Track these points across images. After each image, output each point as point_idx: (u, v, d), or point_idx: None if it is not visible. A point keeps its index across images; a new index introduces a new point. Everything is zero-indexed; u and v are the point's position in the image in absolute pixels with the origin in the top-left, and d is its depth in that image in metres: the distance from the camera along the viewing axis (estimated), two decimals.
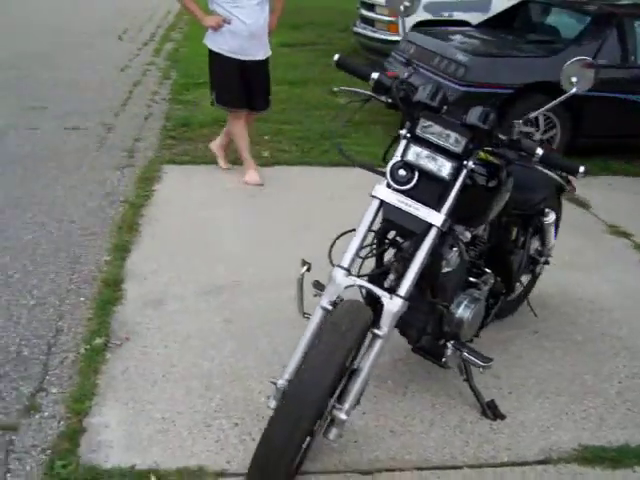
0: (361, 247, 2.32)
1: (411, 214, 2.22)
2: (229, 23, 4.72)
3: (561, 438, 2.63)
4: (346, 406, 2.21)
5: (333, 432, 2.23)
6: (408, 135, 2.26)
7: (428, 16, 8.04)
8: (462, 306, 2.59)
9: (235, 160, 5.44)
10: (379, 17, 8.43)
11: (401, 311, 2.23)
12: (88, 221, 4.37)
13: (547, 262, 3.38)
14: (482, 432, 2.64)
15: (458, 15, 8.21)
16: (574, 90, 2.33)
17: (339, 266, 2.28)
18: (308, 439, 2.19)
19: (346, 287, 2.26)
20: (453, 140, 2.18)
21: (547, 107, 2.39)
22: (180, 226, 4.34)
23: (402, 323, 2.53)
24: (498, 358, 3.07)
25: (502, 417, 2.71)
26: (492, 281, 2.82)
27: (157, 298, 3.48)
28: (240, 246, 4.08)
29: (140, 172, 5.28)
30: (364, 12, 8.99)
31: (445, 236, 2.43)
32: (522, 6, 7.15)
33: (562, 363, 3.10)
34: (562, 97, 2.35)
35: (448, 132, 2.18)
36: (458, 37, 6.59)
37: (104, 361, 2.94)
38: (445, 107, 2.27)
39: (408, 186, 2.22)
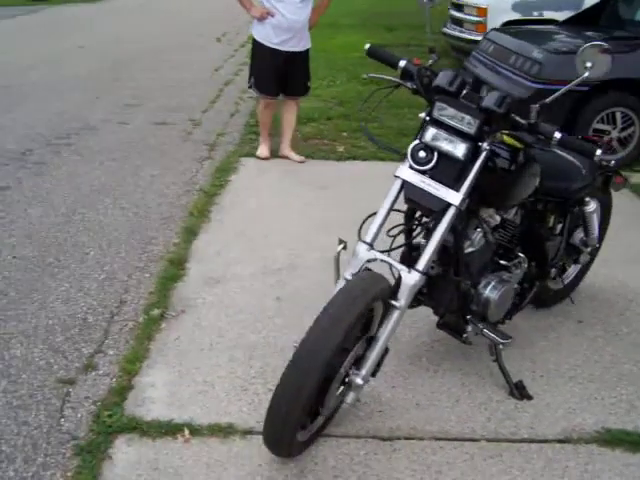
0: (383, 223, 2.47)
1: (430, 193, 2.35)
2: (272, 16, 5.15)
3: (585, 420, 2.66)
4: (363, 372, 2.36)
5: (351, 396, 2.39)
6: (427, 118, 2.39)
7: (517, 16, 8.00)
8: (490, 287, 2.68)
9: (310, 153, 5.67)
10: (467, 17, 8.47)
11: (418, 285, 2.36)
12: (164, 207, 4.72)
13: (593, 252, 3.38)
14: (506, 410, 2.71)
15: (549, 14, 8.09)
16: (586, 74, 2.39)
17: (362, 241, 2.44)
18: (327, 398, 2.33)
19: (367, 261, 2.42)
20: (467, 122, 2.29)
21: (559, 93, 2.44)
22: (248, 213, 4.60)
23: (428, 300, 2.66)
24: (537, 344, 3.15)
25: (529, 397, 2.77)
26: (525, 265, 2.89)
27: (216, 277, 3.74)
28: (302, 232, 4.29)
29: (218, 164, 5.60)
30: (453, 13, 9.06)
31: (470, 217, 2.54)
32: (610, 2, 6.99)
33: (601, 352, 3.11)
34: (574, 81, 2.40)
35: (462, 115, 2.30)
36: (539, 35, 6.54)
37: (159, 330, 3.21)
38: (464, 92, 2.38)
39: (428, 166, 2.35)
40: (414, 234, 2.66)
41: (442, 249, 2.60)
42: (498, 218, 2.71)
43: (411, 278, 2.35)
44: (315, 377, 2.13)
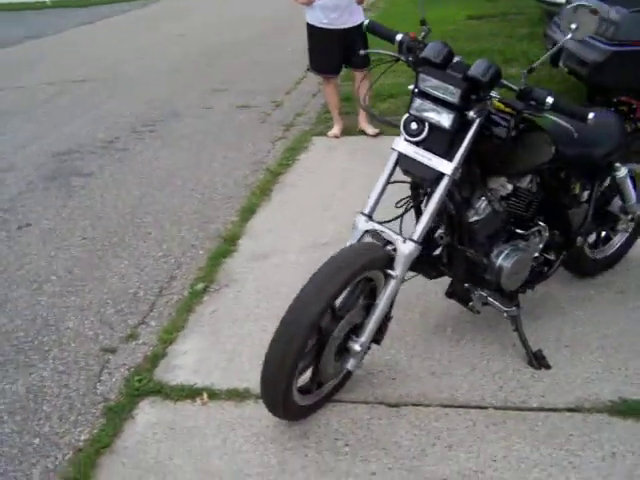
0: (381, 195, 2.56)
1: (423, 164, 2.42)
2: None
3: (602, 390, 2.63)
4: (362, 339, 2.48)
5: (351, 362, 2.51)
6: (416, 90, 2.44)
7: None
8: (503, 255, 2.69)
9: (384, 129, 5.75)
10: None
11: (413, 254, 2.44)
12: (229, 187, 4.98)
13: (633, 220, 3.29)
14: (521, 379, 2.73)
15: None
16: (569, 36, 2.36)
17: (361, 212, 2.55)
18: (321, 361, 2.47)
19: (366, 231, 2.52)
20: (450, 92, 2.32)
21: (547, 55, 2.42)
22: (309, 191, 4.76)
23: (448, 270, 2.73)
24: (570, 314, 3.13)
25: (547, 367, 2.77)
26: (547, 234, 2.87)
27: (264, 252, 3.94)
28: (358, 208, 4.39)
29: (290, 144, 5.79)
30: None
31: (474, 186, 2.58)
32: None
33: (637, 323, 3.03)
34: (559, 44, 2.37)
35: (445, 85, 2.33)
36: None
37: (200, 302, 3.46)
38: (453, 62, 2.41)
39: (420, 137, 2.41)
40: (421, 204, 2.72)
41: (448, 218, 2.66)
42: (510, 187, 2.71)
43: (406, 248, 2.43)
44: (298, 343, 2.27)
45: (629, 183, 3.12)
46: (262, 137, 6.05)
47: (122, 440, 2.57)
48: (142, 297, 3.58)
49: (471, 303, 2.73)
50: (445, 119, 2.34)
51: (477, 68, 2.31)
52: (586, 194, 3.05)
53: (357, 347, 2.47)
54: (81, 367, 3.04)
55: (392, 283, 2.45)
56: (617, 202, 3.23)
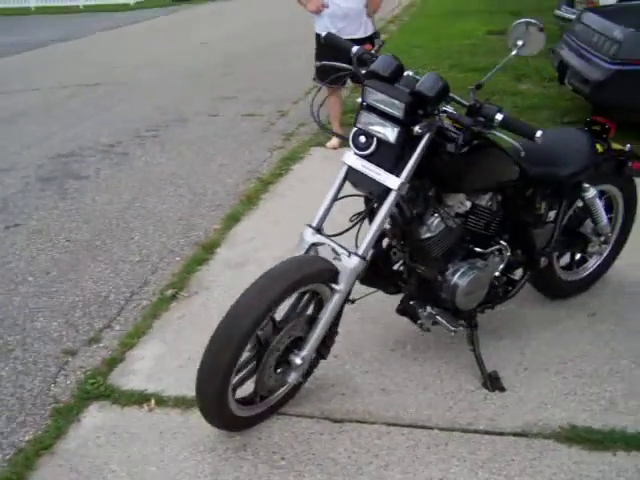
0: (330, 208, 2.57)
1: (371, 178, 2.42)
2: (327, 7, 5.24)
3: (554, 416, 2.59)
4: (303, 353, 2.48)
5: (292, 376, 2.51)
6: (364, 103, 2.44)
7: None
8: (458, 273, 2.68)
9: None
10: None
11: (358, 269, 2.44)
12: (219, 195, 5.01)
13: (617, 242, 3.25)
14: (473, 401, 2.70)
15: None
16: (514, 52, 2.35)
17: (308, 225, 2.55)
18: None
19: (313, 244, 2.52)
20: (396, 107, 2.31)
21: (493, 72, 2.40)
22: (297, 202, 4.77)
23: (397, 284, 2.72)
24: (536, 335, 3.09)
25: (501, 389, 2.74)
26: (508, 254, 2.84)
27: (241, 261, 3.96)
28: (342, 220, 4.39)
29: (287, 153, 5.82)
30: None
31: (428, 201, 2.57)
32: None
33: (603, 347, 2.99)
34: (505, 59, 2.36)
35: (390, 99, 2.32)
36: (632, 13, 6.16)
37: (167, 309, 3.48)
38: (404, 76, 2.40)
39: (367, 151, 2.41)
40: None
41: (401, 234, 2.65)
42: (468, 204, 2.69)
43: (350, 262, 2.43)
44: (231, 352, 2.28)
45: (599, 204, 3.08)
46: (261, 146, 6.08)
47: (64, 442, 2.59)
48: (112, 301, 3.61)
49: (420, 321, 2.71)
50: (390, 133, 2.33)
51: (424, 83, 2.30)
52: (553, 214, 3.01)
53: (298, 360, 2.47)
54: (39, 368, 3.08)
55: (335, 297, 2.45)
56: (589, 224, 3.19)
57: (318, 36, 5.60)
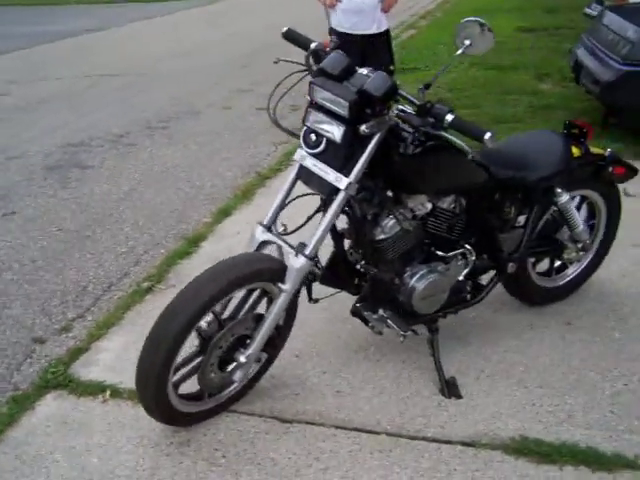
0: (281, 206, 2.55)
1: (321, 177, 2.40)
2: (340, 1, 5.16)
3: (506, 426, 2.54)
4: (248, 351, 2.47)
5: (237, 374, 2.51)
6: (313, 102, 2.42)
7: None
8: (416, 276, 2.64)
9: None
10: None
11: (304, 269, 2.43)
12: (217, 188, 5.04)
13: (585, 249, 3.17)
14: (426, 407, 2.66)
15: None
16: (460, 51, 2.30)
17: (259, 223, 2.55)
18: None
19: (261, 242, 2.52)
20: (342, 105, 2.28)
21: (439, 72, 2.36)
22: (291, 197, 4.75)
23: (360, 284, 2.71)
24: (505, 342, 3.04)
25: (458, 396, 2.70)
26: (472, 258, 2.80)
27: (223, 255, 3.92)
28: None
29: (292, 147, 5.80)
30: None
31: (383, 202, 2.54)
32: None
33: (572, 357, 2.92)
34: (451, 59, 2.32)
35: (335, 97, 2.29)
36: None
37: (141, 301, 3.50)
38: (357, 73, 2.37)
39: (317, 150, 2.39)
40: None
41: (355, 234, 2.63)
42: (429, 206, 2.65)
43: (296, 262, 2.42)
44: (168, 345, 2.29)
45: (573, 210, 3.01)
46: (267, 140, 6.08)
47: (14, 430, 2.63)
48: (90, 291, 3.66)
49: (371, 323, 2.68)
50: (337, 132, 2.31)
51: (372, 82, 2.27)
52: (523, 219, 2.96)
53: (242, 359, 2.46)
54: (6, 355, 3.13)
55: (281, 297, 2.44)
56: (566, 230, 3.12)
57: (332, 31, 5.57)
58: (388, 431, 2.56)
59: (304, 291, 2.60)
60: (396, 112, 2.32)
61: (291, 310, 2.63)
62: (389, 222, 2.55)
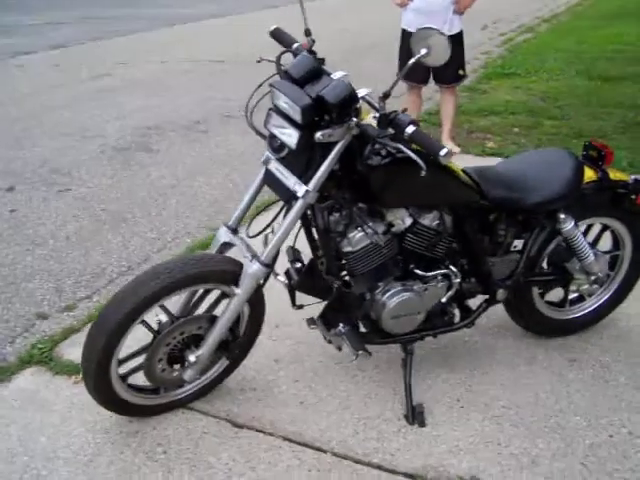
0: (247, 208, 2.55)
1: (281, 182, 2.38)
2: (412, 0, 5.03)
3: (460, 464, 2.40)
4: (199, 351, 2.49)
5: (187, 373, 2.54)
6: (273, 105, 2.38)
7: None
8: (388, 294, 2.56)
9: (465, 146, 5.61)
10: None
11: (257, 275, 2.41)
12: (225, 195, 4.95)
13: (598, 282, 2.96)
14: (384, 431, 2.57)
15: None
16: (413, 60, 2.19)
17: (224, 224, 2.56)
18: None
19: (223, 243, 2.53)
20: (296, 110, 2.22)
21: (397, 80, 2.25)
22: None
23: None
24: (495, 372, 2.92)
25: (421, 424, 2.59)
26: (457, 280, 2.68)
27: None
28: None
29: None
30: None
31: (350, 214, 2.48)
32: None
33: (563, 398, 2.73)
34: (405, 67, 2.20)
35: (291, 102, 2.21)
36: None
37: None
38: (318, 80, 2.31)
39: (281, 154, 2.36)
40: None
41: (320, 244, 2.59)
42: (409, 221, 2.56)
43: (251, 267, 2.41)
44: (108, 335, 2.33)
45: (580, 238, 2.81)
46: None
47: None
48: (107, 273, 3.79)
49: (328, 337, 2.63)
50: (291, 138, 2.27)
51: (330, 89, 2.21)
52: (519, 243, 2.80)
53: (192, 358, 2.49)
54: (7, 327, 3.30)
55: (234, 300, 2.44)
56: (575, 260, 2.94)
57: (404, 31, 5.49)
58: (335, 451, 2.50)
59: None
60: (354, 121, 2.24)
61: (255, 318, 2.62)
62: (356, 235, 2.47)
